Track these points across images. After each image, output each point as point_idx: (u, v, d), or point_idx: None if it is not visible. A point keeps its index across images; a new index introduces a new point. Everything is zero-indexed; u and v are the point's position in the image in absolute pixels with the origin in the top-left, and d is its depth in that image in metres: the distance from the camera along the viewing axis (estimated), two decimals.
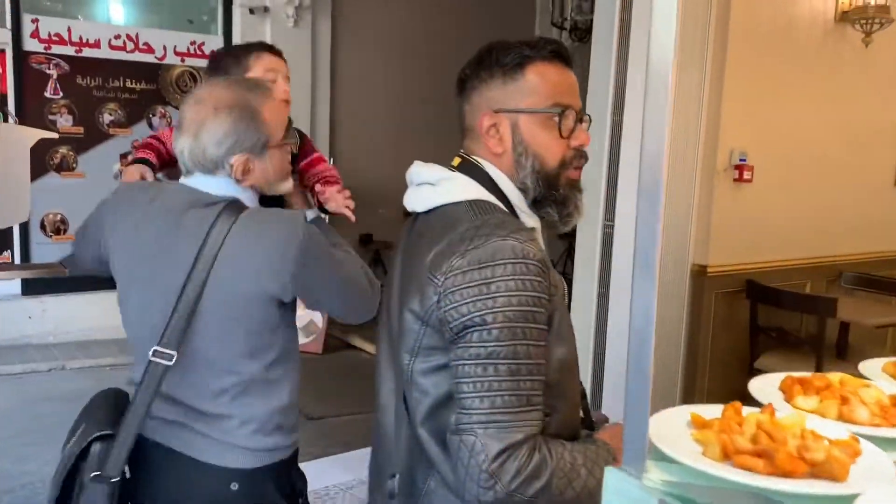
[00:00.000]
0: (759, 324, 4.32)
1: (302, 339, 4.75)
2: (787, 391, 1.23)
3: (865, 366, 1.35)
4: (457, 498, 1.12)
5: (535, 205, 1.26)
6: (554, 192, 1.25)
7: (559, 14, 7.15)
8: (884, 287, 4.82)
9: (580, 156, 1.28)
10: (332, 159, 6.11)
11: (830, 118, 4.60)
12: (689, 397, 4.24)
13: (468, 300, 1.08)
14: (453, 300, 1.10)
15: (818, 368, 3.93)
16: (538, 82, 1.23)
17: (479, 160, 1.27)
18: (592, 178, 4.46)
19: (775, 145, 4.35)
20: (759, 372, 4.28)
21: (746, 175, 4.19)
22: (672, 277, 4.09)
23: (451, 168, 1.28)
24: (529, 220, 1.27)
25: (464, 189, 1.24)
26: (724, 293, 4.30)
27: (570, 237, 8.25)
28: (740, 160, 4.18)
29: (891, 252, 5.06)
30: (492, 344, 1.07)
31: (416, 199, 1.30)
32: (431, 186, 1.27)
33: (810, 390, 1.20)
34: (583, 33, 7.22)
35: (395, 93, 7.26)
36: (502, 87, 1.23)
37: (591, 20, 7.18)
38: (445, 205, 1.24)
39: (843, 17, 4.47)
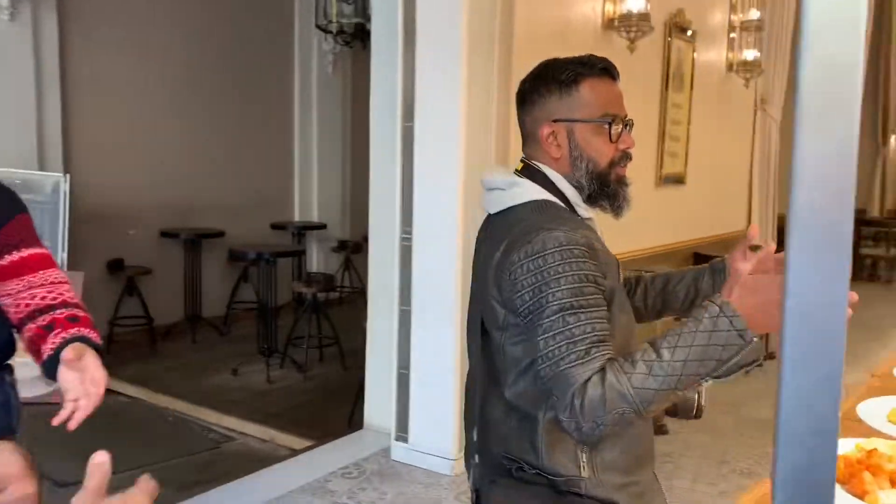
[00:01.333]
0: None
1: (43, 389, 3.87)
2: None
3: (862, 409, 1.18)
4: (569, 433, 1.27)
5: (590, 199, 1.45)
6: (606, 188, 1.44)
7: (323, 17, 6.79)
8: None
9: (626, 156, 1.47)
10: (67, 175, 5.15)
11: None
12: None
13: (528, 288, 1.28)
14: (517, 289, 1.30)
15: None
16: (591, 95, 1.41)
17: (539, 164, 1.45)
18: (384, 187, 4.18)
19: None
20: None
21: None
22: None
23: (517, 172, 1.47)
24: (585, 212, 1.45)
25: (527, 192, 1.41)
26: None
27: (345, 249, 8.00)
28: None
29: (656, 247, 5.38)
30: (557, 315, 1.24)
31: (490, 202, 1.47)
32: (502, 191, 1.44)
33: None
34: (349, 37, 6.93)
35: (144, 99, 6.41)
36: (559, 101, 1.42)
37: (357, 24, 6.98)
38: (514, 206, 1.41)
39: (609, 24, 4.63)
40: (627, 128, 1.46)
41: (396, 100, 3.96)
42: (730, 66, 6.23)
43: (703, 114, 5.82)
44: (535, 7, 4.08)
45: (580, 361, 1.21)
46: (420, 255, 3.91)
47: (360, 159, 6.22)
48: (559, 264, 1.26)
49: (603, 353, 1.23)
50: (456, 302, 3.77)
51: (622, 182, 1.48)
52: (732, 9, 6.17)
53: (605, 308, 1.29)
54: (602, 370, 1.20)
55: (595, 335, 1.23)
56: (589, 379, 1.19)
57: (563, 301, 1.24)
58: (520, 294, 1.30)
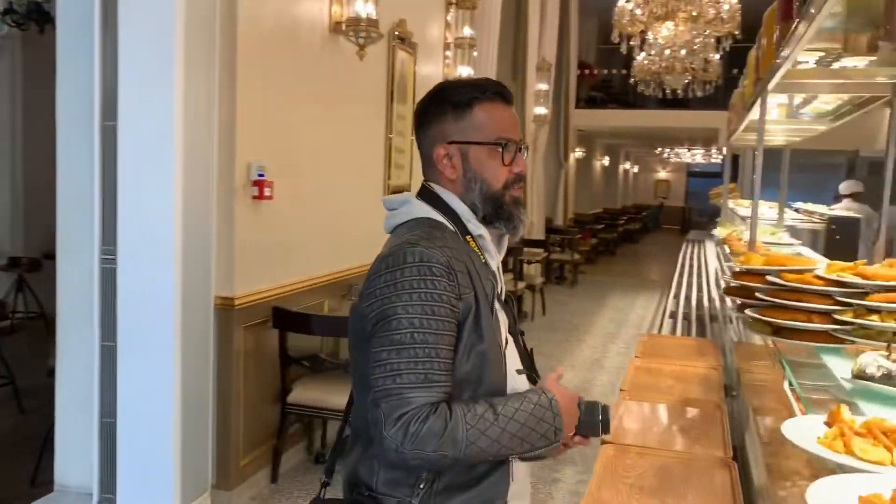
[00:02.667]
0: (290, 354, 3.95)
1: None
2: None
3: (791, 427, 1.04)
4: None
5: (485, 221, 1.46)
6: (500, 210, 1.46)
7: None
8: None
9: (519, 178, 1.49)
10: None
11: (333, 130, 4.50)
12: (224, 440, 3.66)
13: (379, 298, 1.31)
14: (370, 299, 1.33)
15: None
16: (484, 119, 1.45)
17: (434, 185, 1.50)
18: (77, 195, 3.48)
19: (289, 158, 4.03)
20: (294, 407, 4.05)
21: (266, 192, 3.76)
22: (195, 315, 3.42)
23: (418, 195, 1.51)
24: (477, 228, 1.46)
25: (413, 210, 1.47)
26: (252, 325, 3.80)
27: (18, 266, 6.74)
28: (259, 175, 3.72)
29: None
30: (395, 333, 1.28)
31: (386, 223, 1.51)
32: (395, 211, 1.49)
33: None
34: (21, 17, 5.84)
35: None
36: (454, 123, 1.46)
37: (32, 2, 5.89)
38: (400, 224, 1.46)
39: (337, 28, 4.39)
40: (522, 152, 1.48)
41: (93, 94, 3.31)
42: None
43: None
44: (260, 2, 3.69)
45: (419, 385, 1.25)
46: (127, 278, 3.29)
47: (39, 161, 5.22)
48: (415, 279, 1.28)
49: (441, 384, 1.27)
50: (174, 334, 3.23)
51: (517, 203, 1.49)
52: (447, 25, 6.31)
53: (454, 334, 1.32)
54: (448, 406, 1.25)
55: (439, 362, 1.27)
56: (433, 409, 1.24)
57: (413, 318, 1.27)
58: (370, 303, 1.32)
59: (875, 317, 1.45)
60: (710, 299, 5.86)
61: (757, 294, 1.67)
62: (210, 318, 3.58)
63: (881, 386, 1.14)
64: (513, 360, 1.47)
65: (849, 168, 10.50)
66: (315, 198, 4.32)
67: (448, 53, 6.37)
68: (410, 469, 1.32)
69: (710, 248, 9.91)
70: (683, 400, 2.63)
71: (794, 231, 5.13)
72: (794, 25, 1.90)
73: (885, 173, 2.80)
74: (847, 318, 1.48)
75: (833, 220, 5.45)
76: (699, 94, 11.48)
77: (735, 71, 15.55)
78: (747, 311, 1.66)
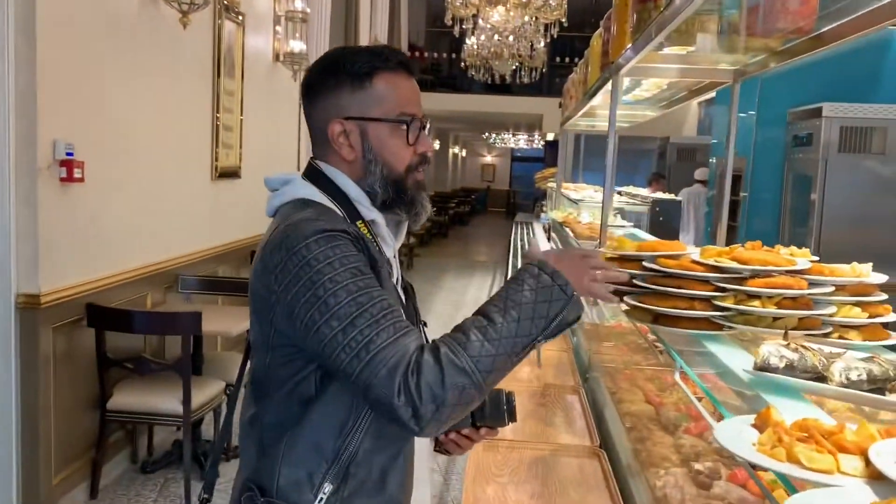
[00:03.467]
0: (109, 355, 3.53)
1: None
2: None
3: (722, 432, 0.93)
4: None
5: (384, 206, 1.31)
6: (403, 195, 1.32)
7: None
8: (220, 286, 4.61)
9: (424, 160, 1.34)
10: None
11: (154, 106, 4.05)
12: (31, 457, 3.20)
13: (300, 284, 1.12)
14: (289, 291, 1.13)
15: (186, 394, 3.44)
16: (386, 91, 1.29)
17: (324, 165, 1.31)
18: None
19: (103, 136, 3.57)
20: (115, 413, 3.62)
21: (77, 173, 3.30)
22: None
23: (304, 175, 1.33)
24: (369, 212, 1.29)
25: (296, 189, 1.29)
26: (63, 325, 3.34)
27: None
28: (67, 154, 3.26)
29: (216, 248, 4.88)
30: (337, 308, 1.10)
31: (267, 205, 1.34)
32: (276, 192, 1.32)
33: None
34: None
35: None
36: (351, 96, 1.28)
37: None
38: (281, 206, 1.29)
39: None
40: (426, 129, 1.34)
41: None
42: (276, 56, 6.01)
43: (255, 104, 5.48)
44: None
45: (392, 339, 1.08)
46: None
47: None
48: (325, 249, 1.13)
49: (411, 328, 1.13)
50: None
51: (420, 188, 1.35)
52: None
53: (380, 286, 1.16)
54: (434, 347, 1.09)
55: (393, 311, 1.12)
56: (418, 356, 1.07)
57: (348, 284, 1.11)
58: (293, 294, 1.13)
59: (756, 302, 1.44)
60: None
61: (635, 281, 1.62)
62: (10, 319, 3.09)
63: (785, 377, 1.10)
64: None
65: (659, 153, 11.25)
66: (134, 180, 3.87)
67: (279, 29, 6.01)
68: (315, 468, 1.19)
69: (539, 230, 10.25)
70: (543, 386, 2.59)
71: (622, 213, 5.34)
72: (662, 8, 1.87)
73: (726, 157, 2.91)
74: (728, 303, 1.46)
75: (656, 203, 5.75)
76: (526, 80, 11.78)
77: (558, 59, 16.24)
78: (626, 299, 1.61)
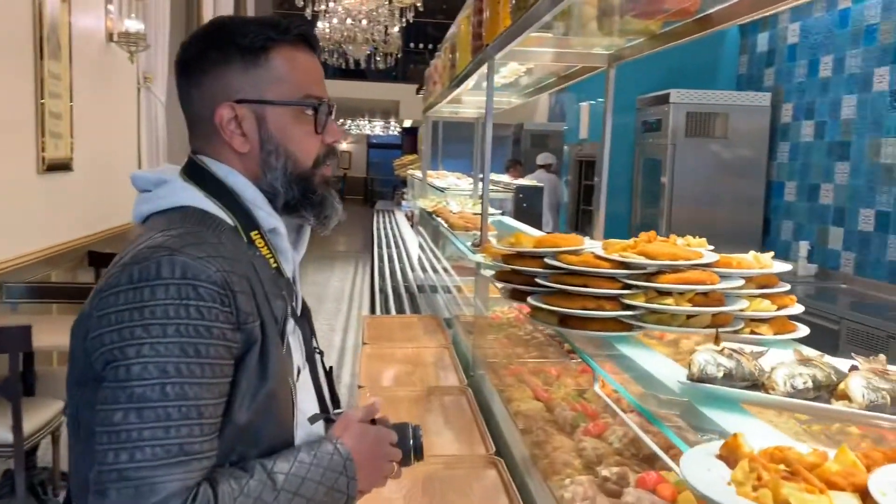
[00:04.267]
0: None
1: None
2: None
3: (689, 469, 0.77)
4: None
5: (288, 209, 1.11)
6: (310, 195, 1.11)
7: None
8: (54, 293, 4.10)
9: (332, 152, 1.15)
10: None
11: None
12: None
13: (114, 327, 0.91)
14: (100, 326, 0.93)
15: (17, 419, 3.01)
16: (287, 70, 1.09)
17: (205, 159, 1.09)
18: None
19: None
20: None
21: None
22: None
23: (183, 171, 1.10)
24: (270, 218, 1.08)
25: (174, 195, 1.06)
26: None
27: None
28: None
29: (47, 250, 4.34)
30: (137, 384, 0.89)
31: (135, 210, 1.11)
32: (147, 194, 1.10)
33: None
34: None
35: None
36: (243, 74, 1.07)
37: None
38: (152, 214, 1.07)
39: None
40: (332, 115, 1.14)
41: None
42: (110, 37, 5.44)
43: (87, 89, 4.93)
44: None
45: (169, 461, 0.88)
46: None
47: None
48: (172, 304, 0.91)
49: (202, 455, 0.91)
50: None
51: (328, 185, 1.15)
52: None
53: (227, 379, 0.95)
54: (212, 487, 0.90)
55: (201, 425, 0.90)
56: (190, 497, 0.88)
57: (166, 362, 0.90)
58: (99, 333, 0.93)
59: (669, 300, 1.35)
60: (413, 270, 5.86)
61: (538, 280, 1.49)
62: None
63: (724, 388, 1.01)
64: (306, 400, 1.14)
65: (514, 140, 11.42)
66: None
67: (111, 7, 5.44)
68: None
69: (402, 219, 10.10)
70: (427, 389, 2.44)
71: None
72: None
73: (603, 144, 2.87)
74: (639, 302, 1.37)
75: (520, 189, 5.76)
76: (381, 66, 11.59)
77: (413, 45, 16.13)
78: (530, 300, 1.48)
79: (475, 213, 3.74)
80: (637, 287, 1.40)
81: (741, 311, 1.37)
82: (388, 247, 7.57)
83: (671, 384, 1.10)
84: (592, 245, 1.58)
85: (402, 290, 5.26)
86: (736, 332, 1.37)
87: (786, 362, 1.02)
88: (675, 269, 1.38)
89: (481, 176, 6.69)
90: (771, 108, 6.09)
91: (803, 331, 1.40)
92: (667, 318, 1.36)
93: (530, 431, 1.99)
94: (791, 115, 5.92)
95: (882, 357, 1.15)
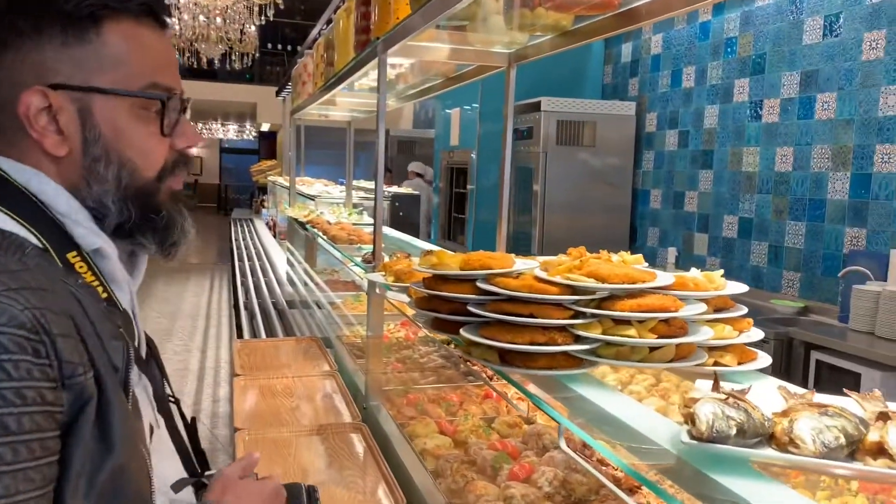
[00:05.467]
0: None
1: None
2: None
3: None
4: None
5: (121, 233, 0.86)
6: (153, 216, 0.87)
7: None
8: None
9: (185, 160, 0.91)
10: None
11: None
12: None
13: None
14: None
15: None
16: (126, 49, 0.83)
17: (9, 164, 0.81)
18: None
19: None
20: None
21: None
22: None
23: None
24: (91, 236, 0.83)
25: None
26: None
27: None
28: None
29: None
30: None
31: None
32: None
33: None
34: None
35: None
36: (63, 50, 0.80)
37: None
38: None
39: None
40: (186, 112, 0.90)
41: None
42: None
43: None
44: None
45: None
46: None
47: None
48: None
49: None
50: None
51: (178, 202, 0.91)
52: None
53: (54, 460, 0.69)
54: None
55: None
56: None
57: None
58: None
59: (630, 330, 1.16)
60: (281, 285, 5.48)
61: (470, 308, 1.26)
62: None
63: (739, 449, 0.82)
64: (165, 465, 0.88)
65: None
66: None
67: None
68: None
69: (264, 229, 9.58)
70: (317, 428, 2.14)
71: (362, 209, 5.03)
72: None
73: (503, 150, 2.69)
74: (594, 333, 1.17)
75: (395, 198, 5.53)
76: (237, 66, 11.03)
77: (270, 45, 15.49)
78: (464, 333, 1.24)
79: (356, 224, 3.47)
80: (590, 315, 1.20)
81: (707, 339, 1.20)
82: (251, 259, 7.09)
83: (664, 443, 0.90)
84: (526, 265, 1.37)
85: (270, 308, 4.87)
86: (699, 364, 1.20)
87: (805, 413, 0.85)
88: (631, 294, 1.19)
89: (361, 183, 6.38)
90: (636, 118, 6.23)
91: (765, 359, 1.25)
92: (626, 352, 1.17)
93: (443, 475, 1.75)
94: (655, 124, 6.08)
95: (878, 392, 1.01)
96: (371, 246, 2.93)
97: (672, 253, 5.65)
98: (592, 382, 1.18)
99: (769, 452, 0.81)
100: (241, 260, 6.88)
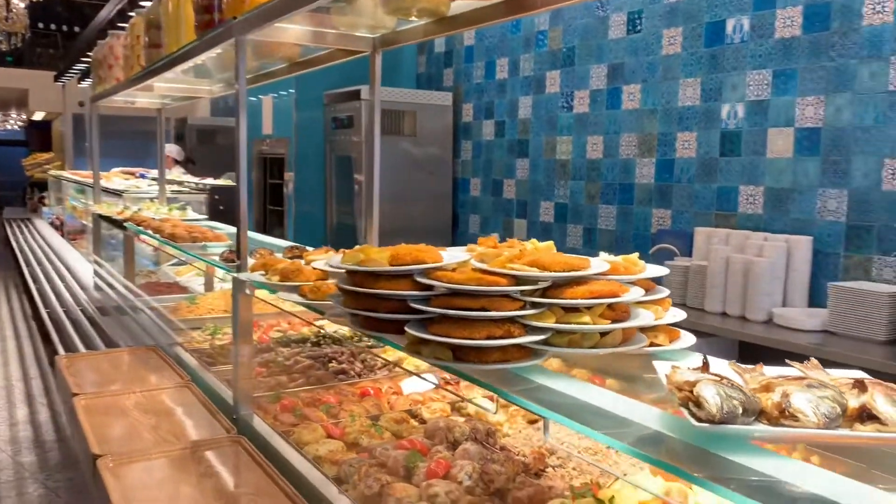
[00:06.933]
0: None
1: None
2: None
3: None
4: None
5: None
6: None
7: None
8: None
9: None
10: None
11: None
12: None
13: None
14: None
15: None
16: None
17: None
18: None
19: None
20: None
21: None
22: None
23: None
24: None
25: None
26: None
27: None
28: None
29: None
30: None
31: None
32: None
33: None
34: None
35: None
36: None
37: None
38: None
39: None
40: None
41: None
42: None
43: None
44: None
45: None
46: None
47: None
48: None
49: None
50: None
51: None
52: None
53: None
54: None
55: None
56: None
57: None
58: None
59: (585, 318, 1.15)
60: (85, 289, 4.95)
61: (414, 305, 1.19)
62: None
63: (746, 427, 0.84)
64: None
65: (177, 136, 10.46)
66: None
67: None
68: None
69: (47, 229, 8.60)
70: (191, 446, 1.95)
71: (184, 203, 4.66)
72: None
73: (371, 139, 2.60)
74: (549, 323, 1.15)
75: (214, 190, 5.19)
76: (4, 47, 9.79)
77: (41, 25, 13.83)
78: (409, 331, 1.16)
79: (189, 221, 3.20)
80: (539, 305, 1.18)
81: (652, 322, 1.23)
82: (41, 263, 6.34)
83: (672, 429, 0.90)
84: (454, 256, 1.32)
85: (80, 316, 4.39)
86: (641, 347, 1.23)
87: (794, 387, 0.89)
88: (576, 282, 1.19)
89: (174, 176, 5.89)
90: (453, 108, 6.35)
91: (689, 338, 1.31)
92: (578, 339, 1.17)
93: (349, 481, 1.66)
94: (472, 114, 6.24)
95: (815, 361, 1.09)
96: (221, 244, 2.72)
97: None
98: (547, 373, 1.17)
99: (783, 430, 0.84)
100: (28, 265, 6.11)
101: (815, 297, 3.66)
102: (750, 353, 3.50)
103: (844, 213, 3.59)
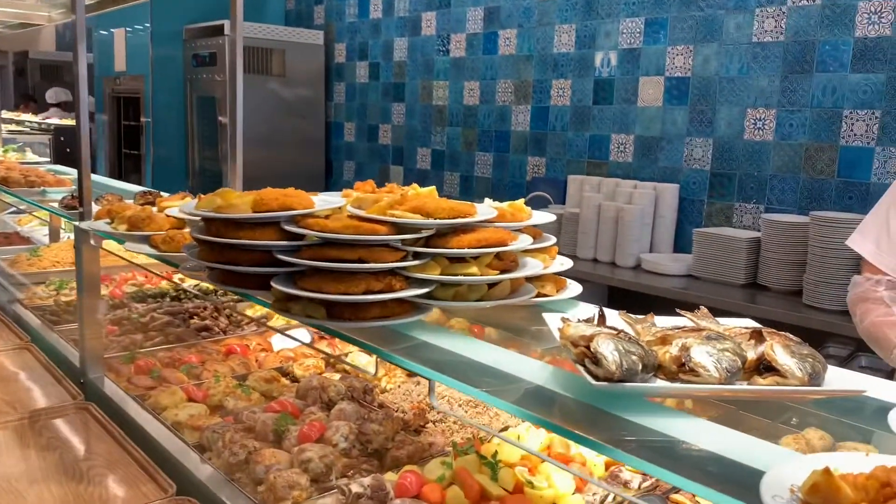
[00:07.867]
0: None
1: None
2: None
3: None
4: None
5: None
6: None
7: None
8: None
9: None
10: None
11: None
12: None
13: None
14: None
15: None
16: None
17: None
18: None
19: None
20: None
21: None
22: None
23: None
24: None
25: None
26: None
27: None
28: None
29: None
30: None
31: None
32: None
33: None
34: None
35: None
36: None
37: None
38: None
39: None
40: None
41: None
42: None
43: None
44: None
45: None
46: None
47: None
48: None
49: None
50: None
51: None
52: None
53: None
54: None
55: None
56: None
57: None
58: None
59: (473, 268, 1.06)
60: None
61: (281, 257, 1.05)
62: None
63: (646, 385, 0.77)
64: None
65: (18, 71, 9.49)
66: None
67: None
68: None
69: None
70: (29, 415, 1.74)
71: (22, 144, 4.20)
72: None
73: (234, 80, 2.38)
74: (434, 275, 1.05)
75: (59, 131, 4.70)
76: None
77: None
78: (276, 286, 1.03)
79: (27, 164, 2.86)
80: (423, 255, 1.08)
81: (541, 271, 1.16)
82: None
83: (566, 388, 0.83)
84: (327, 201, 1.19)
85: None
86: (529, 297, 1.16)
87: (692, 340, 0.84)
88: (462, 230, 1.10)
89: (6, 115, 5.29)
90: (325, 47, 6.06)
91: (576, 287, 1.26)
92: (464, 292, 1.08)
93: (213, 449, 1.52)
94: (345, 55, 5.98)
95: (705, 309, 1.06)
96: (63, 189, 2.44)
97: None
98: (429, 329, 1.07)
99: (684, 386, 0.79)
100: None
101: (681, 243, 3.79)
102: (619, 298, 3.59)
103: (709, 161, 3.71)
